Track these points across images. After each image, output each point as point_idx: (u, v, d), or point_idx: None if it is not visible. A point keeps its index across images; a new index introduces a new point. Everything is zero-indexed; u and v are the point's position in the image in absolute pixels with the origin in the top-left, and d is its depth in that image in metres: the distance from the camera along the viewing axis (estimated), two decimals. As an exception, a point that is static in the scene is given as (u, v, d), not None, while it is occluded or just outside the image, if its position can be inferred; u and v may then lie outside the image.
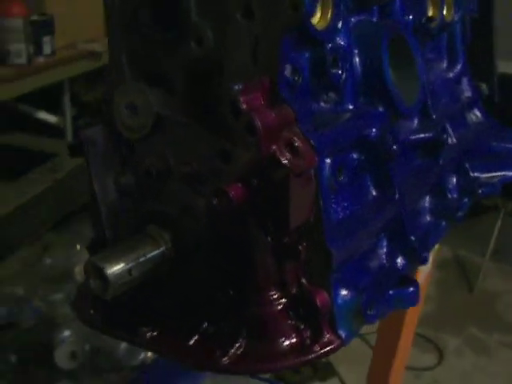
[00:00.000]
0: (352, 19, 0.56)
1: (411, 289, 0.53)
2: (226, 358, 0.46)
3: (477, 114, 0.87)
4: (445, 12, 0.78)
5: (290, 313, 0.47)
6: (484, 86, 0.91)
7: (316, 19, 0.50)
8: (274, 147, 0.40)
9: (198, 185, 0.46)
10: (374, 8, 0.61)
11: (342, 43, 0.53)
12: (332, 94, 0.53)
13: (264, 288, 0.46)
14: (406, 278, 0.54)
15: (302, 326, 0.47)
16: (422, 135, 0.65)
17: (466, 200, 0.75)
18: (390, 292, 0.51)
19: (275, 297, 0.46)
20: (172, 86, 0.50)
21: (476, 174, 0.77)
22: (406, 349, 1.25)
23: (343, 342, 0.47)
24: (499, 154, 0.83)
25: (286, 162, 0.40)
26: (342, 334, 0.47)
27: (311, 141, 0.43)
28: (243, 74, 0.45)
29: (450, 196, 0.68)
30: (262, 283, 0.46)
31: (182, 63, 0.49)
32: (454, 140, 0.75)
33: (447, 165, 0.71)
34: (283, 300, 0.47)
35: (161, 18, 0.49)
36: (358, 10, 0.57)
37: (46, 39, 1.62)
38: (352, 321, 0.48)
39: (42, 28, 1.60)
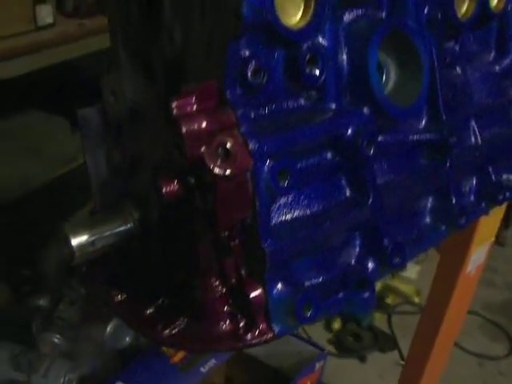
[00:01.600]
0: (349, 14, 0.55)
1: (366, 294, 0.53)
2: (167, 332, 0.51)
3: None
4: (495, 2, 0.73)
5: (228, 301, 0.50)
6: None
7: (295, 19, 0.50)
8: (202, 150, 0.43)
9: (160, 174, 0.50)
10: (384, 1, 0.59)
11: (324, 42, 0.52)
12: (312, 93, 0.54)
13: (204, 275, 0.49)
14: (364, 282, 0.54)
15: (239, 315, 0.50)
16: (423, 136, 0.63)
17: (483, 205, 0.72)
18: (339, 295, 0.53)
19: (215, 284, 0.50)
20: (154, 77, 0.53)
21: (499, 178, 0.73)
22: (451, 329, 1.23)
23: (275, 336, 0.50)
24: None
25: (212, 166, 0.43)
26: (276, 327, 0.49)
27: (250, 144, 0.45)
28: (199, 75, 0.47)
29: (454, 200, 0.65)
30: (202, 271, 0.49)
31: (161, 57, 0.52)
32: (479, 140, 0.71)
33: (462, 166, 0.68)
34: (223, 289, 0.50)
35: (145, 10, 0.52)
36: (359, 4, 0.56)
37: None
38: (287, 317, 0.50)
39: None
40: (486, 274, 2.21)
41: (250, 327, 0.50)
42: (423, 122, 0.63)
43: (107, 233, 0.52)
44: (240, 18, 0.43)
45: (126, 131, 0.54)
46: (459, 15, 0.66)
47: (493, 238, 1.13)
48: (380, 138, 0.57)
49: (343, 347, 1.82)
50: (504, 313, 2.03)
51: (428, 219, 0.66)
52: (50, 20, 1.46)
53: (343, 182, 0.55)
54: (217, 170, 0.43)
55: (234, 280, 0.49)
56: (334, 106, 0.55)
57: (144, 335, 0.53)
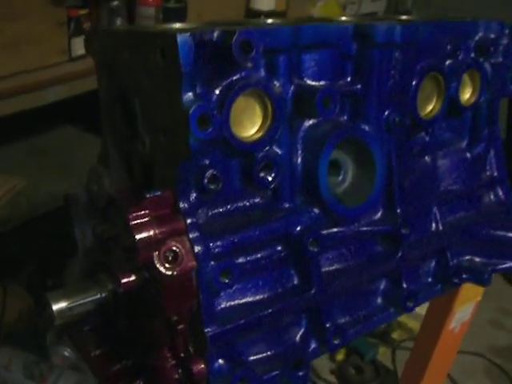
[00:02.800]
0: (305, 124, 0.62)
1: (301, 373, 0.60)
2: (125, 392, 0.59)
3: (499, 194, 0.86)
4: (466, 97, 0.78)
5: (178, 370, 0.58)
6: (525, 163, 0.89)
7: (252, 132, 0.58)
8: (154, 254, 0.51)
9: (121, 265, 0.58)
10: (347, 106, 0.65)
11: (279, 150, 0.59)
12: (268, 192, 0.61)
13: (159, 348, 0.58)
14: (301, 362, 0.61)
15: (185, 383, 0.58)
16: (377, 228, 0.69)
17: (438, 287, 0.77)
18: (276, 372, 0.60)
19: (168, 356, 0.58)
20: (132, 173, 0.62)
21: (458, 261, 0.78)
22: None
23: (214, 407, 0.57)
24: (502, 242, 0.82)
25: (160, 267, 0.51)
26: (217, 398, 0.57)
27: (196, 248, 0.53)
28: (163, 182, 0.55)
29: (404, 285, 0.71)
30: (157, 344, 0.58)
31: (137, 158, 0.60)
32: (439, 226, 0.76)
33: (418, 252, 0.74)
34: (173, 360, 0.58)
35: (126, 118, 0.60)
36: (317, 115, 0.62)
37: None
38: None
39: (174, 14, 1.77)
40: (497, 315, 2.22)
41: (197, 398, 0.58)
42: (379, 214, 0.70)
43: (84, 301, 0.61)
44: (188, 147, 0.51)
45: (104, 214, 0.63)
46: (423, 114, 0.72)
47: (479, 298, 1.17)
48: (331, 232, 0.64)
49: (344, 379, 1.87)
50: (510, 357, 2.03)
51: (379, 300, 0.72)
52: (82, 52, 1.57)
53: (291, 271, 0.63)
54: (163, 271, 0.51)
55: (182, 354, 0.57)
56: (287, 205, 0.62)
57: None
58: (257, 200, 0.61)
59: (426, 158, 0.78)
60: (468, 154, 0.83)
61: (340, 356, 1.95)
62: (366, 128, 0.66)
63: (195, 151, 0.51)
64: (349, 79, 0.64)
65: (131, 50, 0.57)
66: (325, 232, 0.64)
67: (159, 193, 0.54)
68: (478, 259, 0.81)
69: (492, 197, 0.86)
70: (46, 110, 1.64)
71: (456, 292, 1.09)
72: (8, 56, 1.33)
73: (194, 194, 0.56)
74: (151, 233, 0.51)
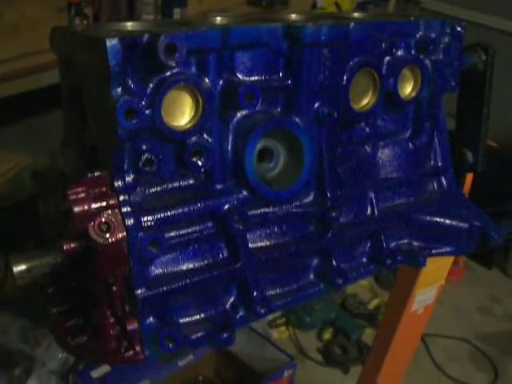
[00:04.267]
0: (236, 115, 0.69)
1: (225, 335, 0.69)
2: (73, 343, 0.68)
3: (442, 183, 0.92)
4: (406, 91, 0.84)
5: (115, 327, 0.67)
6: (469, 154, 0.95)
7: (183, 122, 0.66)
8: (89, 225, 0.60)
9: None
10: (280, 99, 0.73)
11: (209, 138, 0.67)
12: (201, 175, 0.69)
13: (99, 306, 0.66)
14: (227, 326, 0.69)
15: (122, 339, 0.67)
16: (308, 209, 0.76)
17: (372, 267, 0.84)
18: (200, 334, 0.68)
19: (107, 314, 0.67)
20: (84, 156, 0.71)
21: (392, 244, 0.85)
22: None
23: (146, 357, 0.66)
24: (440, 228, 0.88)
25: (94, 237, 0.59)
26: (146, 351, 0.66)
27: (126, 221, 0.61)
28: (106, 163, 0.64)
29: (334, 263, 0.78)
30: (98, 303, 0.66)
31: (87, 142, 0.69)
32: (375, 211, 0.83)
33: (352, 233, 0.81)
34: (112, 318, 0.67)
35: (78, 109, 0.69)
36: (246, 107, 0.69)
37: (177, 10, 1.86)
38: (156, 345, 0.66)
39: (173, 0, 1.84)
40: (488, 303, 2.27)
41: (128, 349, 0.66)
42: (311, 197, 0.77)
43: (41, 263, 0.70)
44: (117, 136, 0.59)
45: (62, 189, 0.72)
46: (358, 107, 0.79)
47: (442, 281, 1.23)
48: (258, 212, 0.72)
49: (330, 357, 1.95)
50: (496, 344, 2.08)
51: (311, 276, 0.79)
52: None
53: (221, 245, 0.71)
54: (97, 240, 0.59)
55: (119, 313, 0.66)
56: (219, 186, 0.70)
57: (58, 342, 0.71)
58: (191, 181, 0.69)
59: (366, 147, 0.84)
60: (410, 145, 0.89)
61: (327, 335, 2.03)
62: (296, 119, 0.73)
63: (124, 139, 0.59)
64: (281, 74, 0.71)
65: (80, 49, 0.65)
66: (252, 212, 0.71)
67: (98, 173, 0.62)
68: (415, 243, 0.88)
69: (435, 185, 0.92)
70: (52, 89, 1.74)
71: (416, 275, 1.16)
72: (8, 41, 1.43)
73: (132, 175, 0.64)
74: (86, 207, 0.60)
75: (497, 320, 2.19)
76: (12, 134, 2.01)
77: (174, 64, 0.59)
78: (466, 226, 0.88)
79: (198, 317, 0.70)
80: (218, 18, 0.78)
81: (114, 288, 0.64)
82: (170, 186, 0.68)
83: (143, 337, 0.66)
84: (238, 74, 0.68)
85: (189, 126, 0.65)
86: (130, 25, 0.72)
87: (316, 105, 0.74)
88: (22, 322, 1.56)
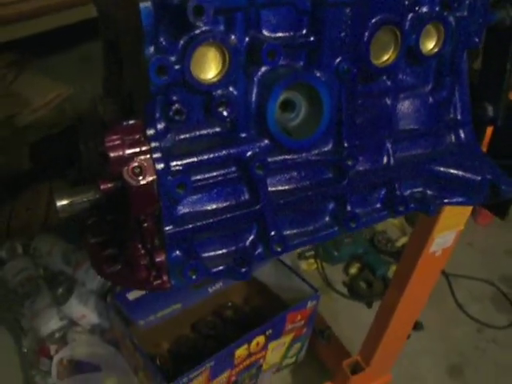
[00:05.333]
0: (259, 69, 0.74)
1: (243, 269, 0.77)
2: (108, 270, 0.78)
3: (461, 136, 0.95)
4: (429, 47, 0.87)
5: (146, 258, 0.76)
6: (490, 108, 0.98)
7: (211, 74, 0.71)
8: (124, 168, 0.67)
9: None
10: (303, 55, 0.77)
11: (234, 91, 0.73)
12: (227, 124, 0.76)
13: (132, 239, 0.75)
14: (245, 261, 0.78)
15: (151, 269, 0.76)
16: (326, 157, 0.82)
17: (385, 212, 0.90)
18: (220, 267, 0.77)
19: (139, 246, 0.76)
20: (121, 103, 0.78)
21: (404, 192, 0.90)
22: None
23: (173, 286, 0.76)
24: (454, 179, 0.93)
25: (127, 179, 0.67)
26: (172, 281, 0.75)
27: (156, 165, 0.69)
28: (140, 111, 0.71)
29: (348, 208, 0.85)
30: (131, 236, 0.75)
31: (124, 92, 0.76)
32: (391, 161, 0.88)
33: (367, 181, 0.87)
34: (142, 250, 0.76)
35: (115, 59, 0.76)
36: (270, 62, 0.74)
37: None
38: (181, 276, 0.75)
39: None
40: (516, 246, 2.30)
41: (156, 278, 0.76)
42: (329, 146, 0.83)
43: (81, 200, 0.79)
44: (149, 90, 0.65)
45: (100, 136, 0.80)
46: (379, 62, 0.82)
47: (462, 227, 1.29)
48: (279, 159, 0.78)
49: (355, 291, 2.05)
50: (522, 288, 2.13)
51: (327, 218, 0.86)
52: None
53: (244, 188, 0.78)
54: (130, 182, 0.68)
55: (149, 246, 0.75)
56: (243, 135, 0.76)
57: (95, 269, 0.81)
58: (217, 129, 0.75)
59: (387, 99, 0.88)
60: (431, 98, 0.92)
61: (353, 270, 2.13)
62: (318, 74, 0.77)
63: (155, 93, 0.66)
64: (304, 31, 0.76)
65: (117, 6, 0.71)
66: (273, 159, 0.78)
67: (133, 121, 0.70)
68: (429, 192, 0.93)
69: (453, 138, 0.96)
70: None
71: (436, 219, 1.22)
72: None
73: (163, 123, 0.71)
74: (121, 152, 0.67)
75: (524, 264, 2.24)
76: (58, 63, 2.08)
77: (201, 24, 0.65)
78: (478, 178, 0.92)
79: (220, 252, 0.79)
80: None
81: (146, 224, 0.73)
82: (197, 133, 0.75)
83: (170, 268, 0.75)
84: (263, 31, 0.73)
85: (216, 79, 0.71)
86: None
87: (337, 60, 0.78)
88: (65, 246, 1.70)
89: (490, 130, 1.03)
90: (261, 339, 1.56)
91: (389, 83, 0.88)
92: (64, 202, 0.76)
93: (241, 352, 1.53)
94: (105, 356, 1.62)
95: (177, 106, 0.71)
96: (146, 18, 0.63)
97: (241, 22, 0.70)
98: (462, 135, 0.96)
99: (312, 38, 0.76)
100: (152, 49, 0.65)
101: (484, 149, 1.03)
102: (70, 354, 1.61)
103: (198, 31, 0.67)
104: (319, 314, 1.83)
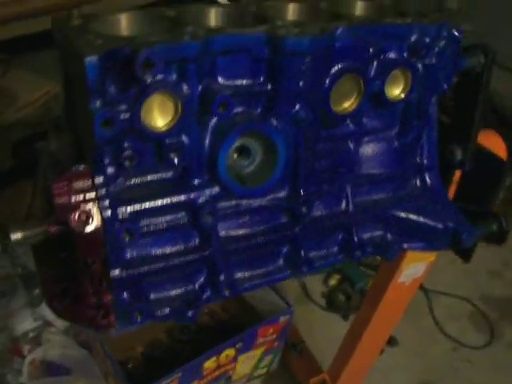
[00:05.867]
0: (213, 118, 0.73)
1: (189, 313, 0.77)
2: (58, 305, 0.79)
3: (426, 180, 0.95)
4: (395, 93, 0.86)
5: (94, 298, 0.77)
6: (458, 152, 0.97)
7: (162, 124, 0.71)
8: (70, 215, 0.67)
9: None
10: (260, 102, 0.76)
11: (186, 139, 0.72)
12: (179, 169, 0.75)
13: (82, 278, 0.76)
14: (192, 304, 0.78)
15: (100, 308, 0.77)
16: (281, 203, 0.82)
17: (340, 256, 0.90)
18: (166, 310, 0.77)
19: (88, 286, 0.76)
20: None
21: (364, 237, 0.90)
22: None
23: (117, 329, 0.76)
24: (415, 224, 0.92)
25: (73, 226, 0.67)
26: (118, 322, 0.76)
27: (104, 213, 0.69)
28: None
29: (302, 253, 0.85)
30: (81, 275, 0.76)
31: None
32: (350, 206, 0.88)
33: (324, 225, 0.86)
34: (92, 290, 0.76)
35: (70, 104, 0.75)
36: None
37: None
38: (127, 318, 0.75)
39: None
40: (497, 266, 2.30)
41: (104, 317, 0.76)
42: (285, 192, 0.82)
43: (34, 234, 0.79)
44: (95, 141, 0.65)
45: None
46: (341, 109, 0.81)
47: (432, 258, 1.28)
48: (229, 205, 0.78)
49: (333, 303, 2.06)
50: (499, 308, 2.13)
51: (281, 261, 0.86)
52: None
53: (194, 234, 0.78)
54: (75, 229, 0.68)
55: (97, 286, 0.76)
56: (196, 181, 0.75)
57: (45, 300, 0.81)
58: (169, 175, 0.75)
59: (349, 142, 0.88)
60: (396, 142, 0.92)
61: (333, 281, 2.13)
62: (274, 122, 0.76)
63: (101, 144, 0.66)
64: (261, 79, 0.75)
65: (69, 48, 0.70)
66: (225, 204, 0.78)
67: (82, 167, 0.69)
68: (389, 236, 0.93)
69: (418, 182, 0.95)
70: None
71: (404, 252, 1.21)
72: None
73: (113, 168, 0.71)
74: (67, 200, 0.67)
75: (504, 284, 2.23)
76: (45, 59, 2.06)
77: (150, 78, 0.64)
78: (439, 225, 0.92)
79: (169, 294, 0.79)
80: (211, 12, 0.81)
81: (93, 266, 0.73)
82: (149, 178, 0.74)
83: (116, 310, 0.75)
84: (219, 79, 0.72)
85: (167, 127, 0.70)
86: (118, 25, 0.76)
87: (295, 108, 0.77)
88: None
89: (457, 174, 1.02)
90: (230, 352, 1.58)
91: (352, 127, 0.87)
92: (18, 236, 0.76)
93: (209, 364, 1.54)
94: (77, 358, 1.63)
95: (127, 152, 0.70)
96: (91, 72, 0.62)
97: (194, 71, 0.69)
98: (428, 180, 0.95)
99: (269, 87, 0.75)
100: (98, 102, 0.64)
101: (451, 193, 1.02)
102: (42, 355, 1.63)
103: (148, 81, 0.67)
104: (294, 326, 1.84)
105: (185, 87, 0.70)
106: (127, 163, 0.71)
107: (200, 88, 0.71)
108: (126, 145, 0.70)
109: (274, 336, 1.69)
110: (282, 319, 1.67)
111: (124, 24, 0.77)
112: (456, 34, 0.86)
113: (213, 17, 0.82)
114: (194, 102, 0.71)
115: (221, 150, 0.73)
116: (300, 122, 0.78)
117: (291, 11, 0.88)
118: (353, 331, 1.49)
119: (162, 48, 0.65)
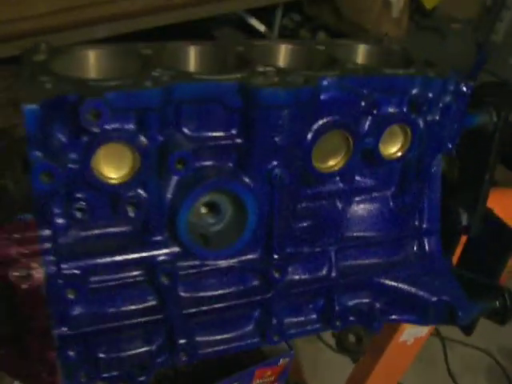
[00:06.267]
0: (175, 174, 0.66)
1: (141, 379, 0.71)
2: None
3: (424, 246, 0.86)
4: (391, 151, 0.77)
5: (40, 354, 0.71)
6: (464, 216, 0.87)
7: (117, 176, 0.64)
8: (10, 270, 0.62)
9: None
10: (232, 155, 0.69)
11: (143, 193, 0.65)
12: (137, 224, 0.69)
13: (25, 335, 0.70)
14: (145, 369, 0.71)
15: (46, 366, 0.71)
16: (255, 266, 0.74)
17: (318, 325, 0.82)
18: (115, 373, 0.70)
19: (33, 342, 0.70)
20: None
21: (347, 303, 0.81)
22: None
23: (65, 385, 0.70)
24: (406, 295, 0.83)
25: (14, 281, 0.62)
26: (64, 381, 0.69)
27: (47, 269, 0.63)
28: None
29: (274, 321, 0.77)
30: (23, 331, 0.70)
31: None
32: (332, 272, 0.79)
33: (303, 291, 0.78)
34: (37, 346, 0.70)
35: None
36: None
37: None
38: (73, 377, 0.69)
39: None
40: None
41: (49, 375, 0.70)
42: (257, 254, 0.74)
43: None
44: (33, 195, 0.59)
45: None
46: (324, 167, 0.73)
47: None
48: (195, 264, 0.71)
49: (342, 344, 1.95)
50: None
51: (251, 327, 0.78)
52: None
53: (151, 293, 0.71)
54: (15, 284, 0.62)
55: (42, 344, 0.70)
56: (156, 237, 0.69)
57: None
58: (125, 229, 0.69)
59: (337, 202, 0.80)
60: (392, 203, 0.83)
61: (344, 321, 2.02)
62: (246, 179, 0.69)
63: (39, 197, 0.60)
64: (234, 131, 0.68)
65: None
66: (187, 264, 0.71)
67: (28, 217, 0.64)
68: (377, 305, 0.84)
69: (415, 248, 0.86)
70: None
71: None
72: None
73: (63, 220, 0.65)
74: (8, 252, 0.62)
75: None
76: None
77: (97, 130, 0.58)
78: (434, 298, 0.82)
79: (120, 356, 0.72)
80: (191, 51, 0.75)
81: (37, 322, 0.67)
82: (104, 231, 0.68)
83: (61, 368, 0.69)
84: (184, 130, 0.66)
85: (123, 180, 0.64)
86: (86, 61, 0.71)
87: (270, 165, 0.69)
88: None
89: (463, 239, 0.92)
90: (224, 392, 1.50)
91: (341, 185, 0.79)
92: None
93: (201, 403, 1.47)
94: None
95: (79, 203, 0.64)
96: (30, 121, 0.56)
97: (154, 121, 0.63)
98: (427, 246, 0.86)
99: (242, 141, 0.68)
100: (38, 153, 0.58)
101: (455, 257, 0.92)
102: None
103: (98, 131, 0.60)
104: (298, 365, 1.75)
105: (142, 138, 0.63)
106: (79, 215, 0.65)
107: (161, 139, 0.64)
108: (78, 195, 0.64)
109: (273, 378, 1.60)
110: (282, 362, 1.58)
111: (93, 61, 0.72)
112: (464, 88, 0.77)
113: (192, 57, 0.75)
114: (154, 155, 0.64)
115: (181, 208, 0.66)
116: (275, 180, 0.70)
117: (283, 53, 0.81)
118: (353, 380, 1.39)
119: (117, 95, 0.59)
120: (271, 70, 0.69)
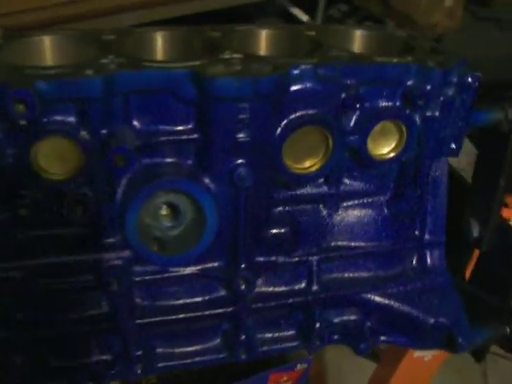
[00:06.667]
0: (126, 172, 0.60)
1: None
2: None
3: (426, 259, 0.75)
4: (382, 150, 0.68)
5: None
6: (476, 227, 0.77)
7: (60, 170, 0.58)
8: None
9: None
10: (191, 151, 0.62)
11: (89, 192, 0.59)
12: (86, 226, 0.63)
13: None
14: (98, 380, 0.66)
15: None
16: (219, 275, 0.67)
17: (296, 344, 0.73)
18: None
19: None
20: None
21: (332, 320, 0.72)
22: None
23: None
24: (397, 314, 0.73)
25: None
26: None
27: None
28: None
29: (242, 337, 0.69)
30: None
31: None
32: (314, 284, 0.71)
33: (274, 306, 0.70)
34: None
35: None
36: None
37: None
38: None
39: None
40: None
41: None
42: (221, 262, 0.67)
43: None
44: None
45: None
46: (299, 168, 0.65)
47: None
48: (151, 270, 0.65)
49: (372, 350, 1.84)
50: None
51: (219, 340, 0.71)
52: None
53: (103, 299, 0.65)
54: None
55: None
56: (107, 240, 0.63)
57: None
58: (74, 230, 0.63)
59: (321, 207, 0.71)
60: (386, 210, 0.73)
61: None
62: (206, 180, 0.62)
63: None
64: (190, 126, 0.60)
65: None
66: (140, 270, 0.64)
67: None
68: (367, 323, 0.74)
69: (414, 261, 0.75)
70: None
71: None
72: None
73: (6, 216, 0.60)
74: None
75: None
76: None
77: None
78: (430, 320, 0.72)
79: (71, 364, 0.67)
80: (158, 37, 0.68)
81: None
82: (51, 231, 0.63)
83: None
84: (134, 123, 0.59)
85: (67, 176, 0.59)
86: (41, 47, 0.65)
87: (233, 164, 0.62)
88: None
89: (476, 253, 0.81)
90: (236, 396, 1.44)
91: (325, 188, 0.70)
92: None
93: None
94: None
95: (24, 200, 0.60)
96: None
97: (97, 113, 0.57)
98: (428, 259, 0.75)
99: (199, 135, 0.60)
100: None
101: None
102: None
103: (39, 121, 0.55)
104: (321, 371, 1.66)
105: (83, 132, 0.57)
106: (23, 212, 0.60)
107: (106, 133, 0.58)
108: (22, 192, 0.59)
109: (289, 383, 1.53)
110: (299, 367, 1.50)
111: (48, 46, 0.66)
112: (470, 80, 0.66)
113: (159, 44, 0.69)
114: (99, 150, 0.58)
115: (130, 208, 0.60)
116: (238, 181, 0.62)
117: (265, 39, 0.73)
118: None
119: (50, 85, 0.53)
120: (236, 58, 0.61)
